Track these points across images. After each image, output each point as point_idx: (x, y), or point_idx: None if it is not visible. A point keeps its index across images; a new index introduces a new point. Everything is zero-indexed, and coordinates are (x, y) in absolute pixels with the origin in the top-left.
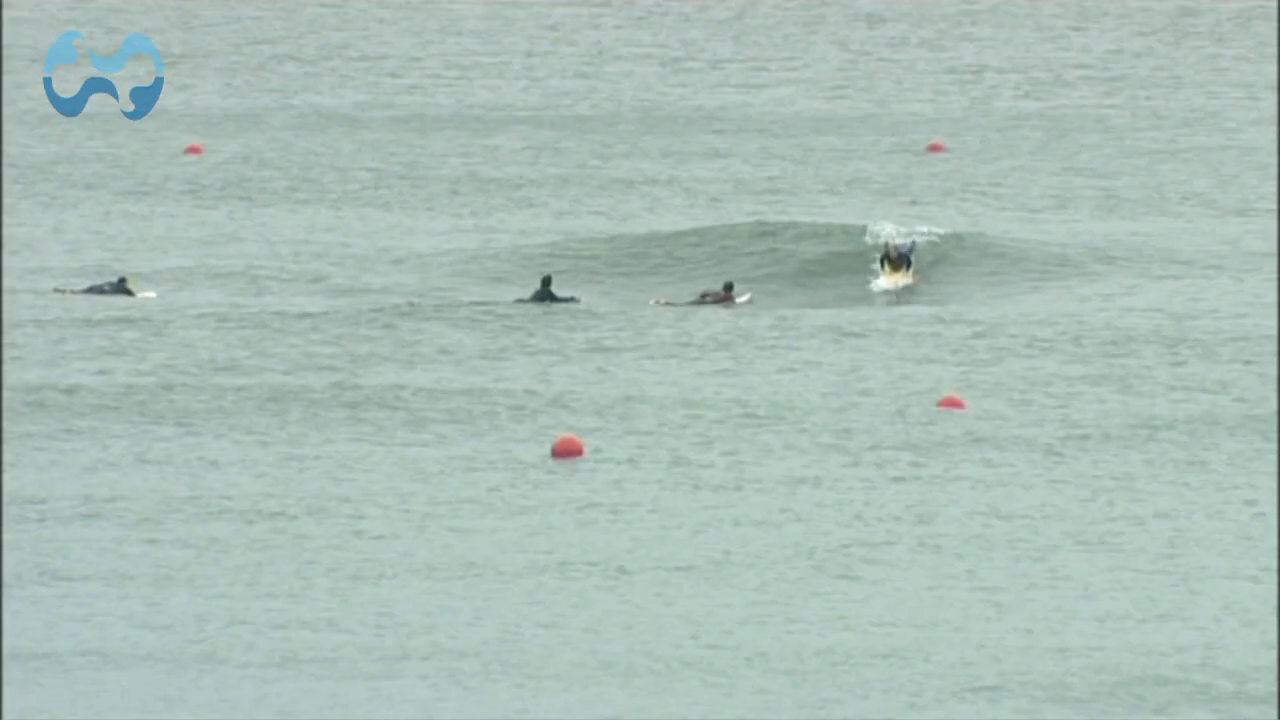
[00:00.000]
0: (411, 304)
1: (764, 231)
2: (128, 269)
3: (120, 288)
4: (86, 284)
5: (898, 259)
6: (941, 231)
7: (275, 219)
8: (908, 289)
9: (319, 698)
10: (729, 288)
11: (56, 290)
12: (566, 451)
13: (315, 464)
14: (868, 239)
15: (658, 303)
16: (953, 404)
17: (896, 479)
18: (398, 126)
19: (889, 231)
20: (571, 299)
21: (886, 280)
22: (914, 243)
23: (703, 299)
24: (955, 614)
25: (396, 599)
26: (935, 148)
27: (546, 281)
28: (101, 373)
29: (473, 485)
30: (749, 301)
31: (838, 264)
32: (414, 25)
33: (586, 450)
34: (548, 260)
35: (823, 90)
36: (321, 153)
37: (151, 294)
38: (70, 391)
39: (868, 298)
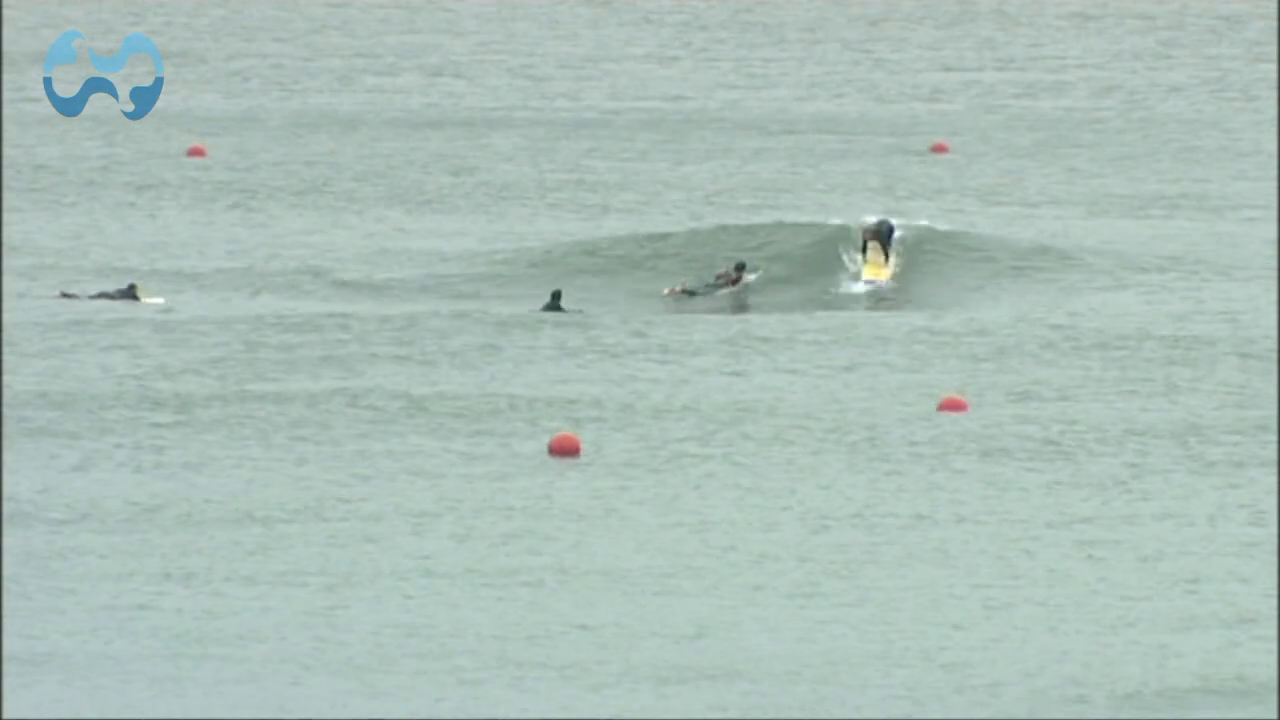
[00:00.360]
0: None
1: (762, 232)
2: (129, 269)
3: (129, 294)
4: (95, 290)
5: (873, 235)
6: (944, 230)
7: (279, 221)
8: (890, 288)
9: (318, 695)
10: (740, 267)
11: (64, 295)
12: (564, 449)
13: (315, 465)
14: (850, 227)
15: (672, 290)
16: (954, 405)
17: (895, 478)
18: (403, 128)
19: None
20: (580, 313)
21: (866, 274)
22: (891, 223)
23: (717, 280)
24: (954, 616)
25: (394, 597)
26: (939, 148)
27: (556, 296)
28: (102, 372)
29: (469, 482)
30: (757, 278)
31: (836, 264)
32: (416, 26)
33: (584, 447)
34: (546, 260)
35: (823, 91)
36: (325, 154)
37: (160, 300)
38: (71, 394)
39: (867, 298)
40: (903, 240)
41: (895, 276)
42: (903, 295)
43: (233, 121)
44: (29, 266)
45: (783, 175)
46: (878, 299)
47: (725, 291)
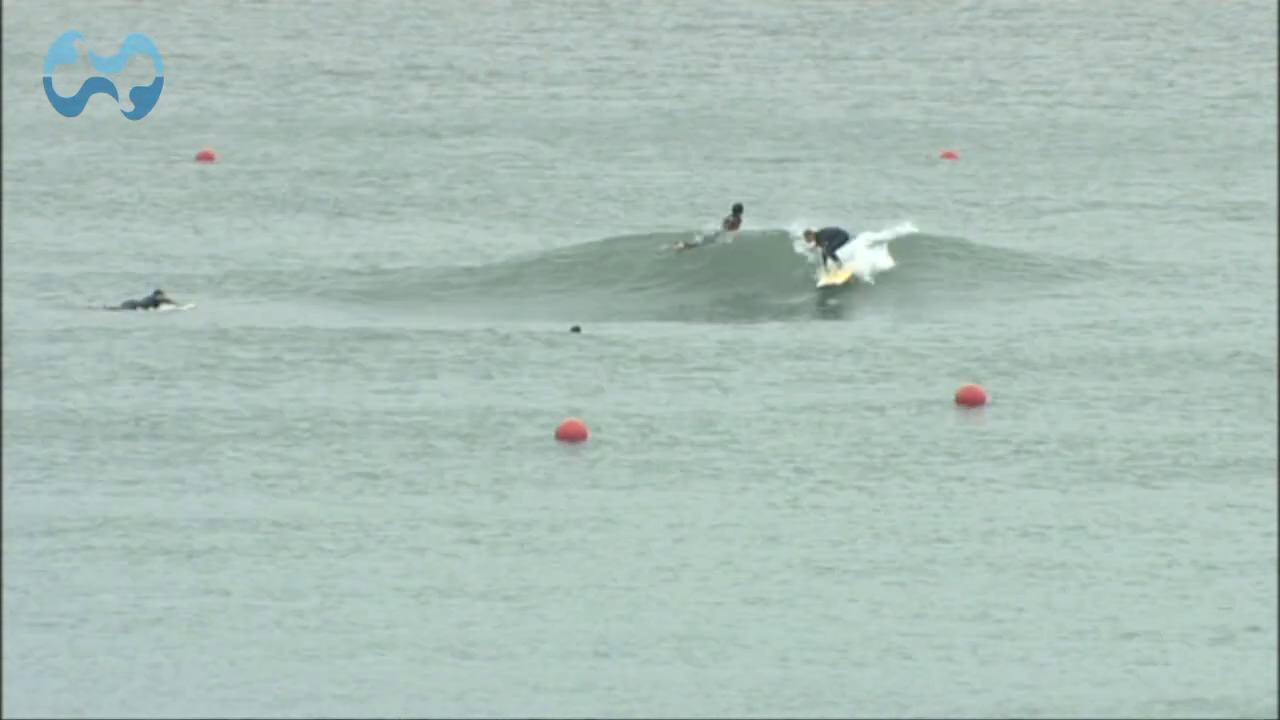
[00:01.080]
0: (576, 328)
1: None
2: (128, 273)
3: (154, 301)
4: (122, 300)
5: (814, 238)
6: (948, 237)
7: (283, 225)
8: (850, 286)
9: (317, 694)
10: (738, 209)
11: (89, 307)
12: (570, 435)
13: (315, 465)
14: (796, 244)
15: (676, 247)
16: (973, 395)
17: (893, 480)
18: (404, 130)
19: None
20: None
21: (823, 282)
22: (837, 230)
23: (724, 225)
24: (953, 619)
25: (390, 598)
26: (948, 155)
27: (575, 331)
28: (103, 374)
29: (470, 473)
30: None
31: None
32: (418, 30)
33: (590, 435)
34: (542, 265)
35: (825, 92)
36: (330, 158)
37: (190, 306)
38: (70, 397)
39: (863, 302)
40: (856, 254)
41: (846, 284)
42: (910, 299)
43: (241, 125)
44: (29, 269)
45: (788, 181)
46: (879, 307)
47: (731, 238)
